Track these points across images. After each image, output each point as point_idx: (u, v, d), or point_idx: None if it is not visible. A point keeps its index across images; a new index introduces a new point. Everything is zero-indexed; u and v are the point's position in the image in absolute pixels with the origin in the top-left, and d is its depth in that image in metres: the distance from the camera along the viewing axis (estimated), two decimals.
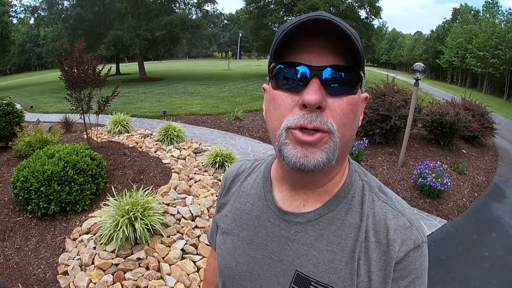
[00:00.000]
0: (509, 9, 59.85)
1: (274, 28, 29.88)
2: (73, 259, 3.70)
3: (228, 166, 5.83)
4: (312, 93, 0.70)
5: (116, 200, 4.02)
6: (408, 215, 0.84)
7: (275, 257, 0.89)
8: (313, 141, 0.72)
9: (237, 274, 0.96)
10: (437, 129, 9.00)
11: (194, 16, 30.02)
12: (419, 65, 6.88)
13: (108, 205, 4.02)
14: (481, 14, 62.06)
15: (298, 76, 0.74)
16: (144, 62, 30.90)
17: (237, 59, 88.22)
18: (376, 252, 0.80)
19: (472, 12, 67.25)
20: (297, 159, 0.74)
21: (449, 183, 6.26)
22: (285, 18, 29.80)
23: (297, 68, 0.74)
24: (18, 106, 9.15)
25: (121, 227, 3.58)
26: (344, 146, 0.78)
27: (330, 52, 0.73)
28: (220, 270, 1.04)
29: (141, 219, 3.69)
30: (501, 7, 62.37)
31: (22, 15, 36.26)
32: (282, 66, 0.77)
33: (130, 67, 41.92)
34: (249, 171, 1.10)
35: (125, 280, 3.37)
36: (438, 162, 6.92)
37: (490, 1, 57.71)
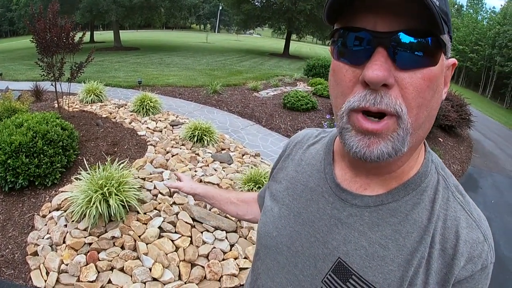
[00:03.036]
0: (493, 7, 61.67)
1: (257, 3, 29.44)
2: (43, 238, 3.45)
3: (207, 140, 5.77)
4: (375, 68, 0.57)
5: (88, 174, 3.77)
6: (483, 228, 0.72)
7: (320, 237, 0.80)
8: (377, 129, 0.61)
9: (275, 245, 0.89)
10: None
11: None
12: None
13: (80, 179, 3.77)
14: (465, 9, 63.37)
15: (360, 45, 0.60)
16: (120, 31, 30.03)
17: (215, 33, 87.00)
18: (439, 262, 0.69)
19: (456, 6, 68.38)
20: (358, 149, 0.64)
21: None
22: None
23: (358, 34, 0.60)
24: None
25: (94, 203, 3.34)
26: (419, 130, 0.65)
27: (401, 11, 0.57)
28: (258, 237, 0.98)
29: (115, 194, 3.45)
30: (485, 4, 63.78)
31: None
32: (342, 31, 0.64)
33: (104, 35, 40.56)
34: (313, 140, 1.00)
35: (99, 260, 3.16)
36: None
37: None
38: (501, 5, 54.07)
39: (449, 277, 0.68)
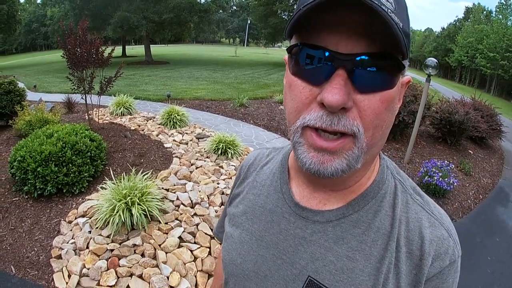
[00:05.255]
0: None
1: (284, 16, 29.71)
2: (68, 243, 3.59)
3: (231, 153, 5.85)
4: (334, 93, 0.55)
5: (113, 183, 3.90)
6: (446, 224, 0.74)
7: (287, 258, 0.78)
8: (332, 148, 0.61)
9: (242, 272, 0.86)
10: (446, 127, 8.83)
11: (203, 0, 29.76)
12: (431, 60, 6.63)
13: (105, 188, 3.91)
14: (494, 15, 61.59)
15: (320, 64, 0.58)
16: (151, 46, 30.77)
17: (244, 46, 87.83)
18: (407, 265, 0.70)
19: (485, 12, 66.79)
20: (312, 165, 0.63)
21: (455, 183, 6.12)
22: (294, 7, 29.51)
23: (318, 53, 0.58)
24: (21, 85, 9.03)
25: (117, 212, 3.46)
26: (373, 148, 0.65)
27: (364, 33, 0.55)
28: (224, 266, 0.93)
29: (138, 204, 3.56)
30: None
31: None
32: (301, 47, 0.61)
33: (136, 50, 41.75)
34: (265, 159, 0.99)
35: (120, 266, 3.25)
36: (446, 161, 6.78)
37: (504, 2, 57.15)
38: None
39: (419, 277, 0.69)
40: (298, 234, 0.77)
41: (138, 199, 3.61)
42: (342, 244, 0.72)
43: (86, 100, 6.39)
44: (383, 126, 0.63)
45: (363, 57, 0.56)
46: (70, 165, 4.36)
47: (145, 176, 4.11)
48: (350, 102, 0.57)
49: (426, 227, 0.71)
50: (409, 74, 0.67)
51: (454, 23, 74.23)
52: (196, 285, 3.24)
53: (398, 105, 0.68)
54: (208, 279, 3.31)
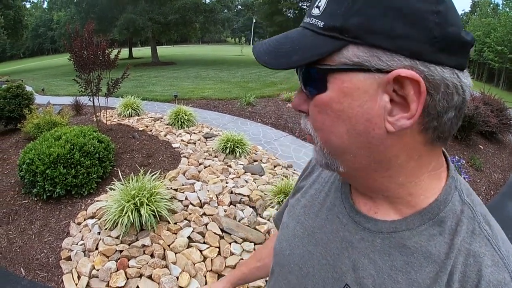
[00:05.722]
0: None
1: (289, 14, 29.64)
2: (77, 244, 3.59)
3: (239, 152, 5.83)
4: (294, 97, 0.69)
5: (122, 184, 3.89)
6: (511, 267, 0.60)
7: (331, 259, 0.76)
8: (309, 141, 0.71)
9: (287, 264, 0.86)
10: None
11: (207, 0, 29.79)
12: None
13: (114, 190, 3.90)
14: (501, 8, 61.02)
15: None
16: (157, 47, 30.89)
17: (250, 45, 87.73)
18: None
19: (492, 5, 66.17)
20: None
21: (466, 179, 6.03)
22: (300, 4, 29.46)
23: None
24: (29, 88, 9.11)
25: (126, 213, 3.45)
26: (344, 155, 0.65)
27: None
28: (274, 254, 0.95)
29: (147, 204, 3.55)
30: None
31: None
32: None
33: (143, 51, 41.93)
34: None
35: (129, 267, 3.25)
36: (456, 157, 6.71)
37: None
38: None
39: None
40: (347, 237, 0.75)
41: (147, 199, 3.60)
42: (387, 260, 0.67)
43: (93, 102, 6.40)
44: (330, 132, 0.63)
45: (302, 67, 0.63)
46: (79, 166, 4.36)
47: (154, 177, 4.11)
48: (303, 106, 0.66)
49: (487, 266, 0.60)
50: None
51: (461, 16, 73.54)
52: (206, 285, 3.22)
53: (403, 114, 0.57)
54: (218, 279, 3.28)
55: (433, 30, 0.52)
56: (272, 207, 4.27)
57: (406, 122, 0.56)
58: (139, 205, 3.53)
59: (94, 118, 7.07)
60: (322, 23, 0.58)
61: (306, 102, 0.65)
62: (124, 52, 34.15)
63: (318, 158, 0.70)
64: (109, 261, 3.32)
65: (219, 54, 40.93)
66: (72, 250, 3.50)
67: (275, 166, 5.86)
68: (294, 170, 5.98)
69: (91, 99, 6.37)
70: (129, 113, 8.19)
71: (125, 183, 3.90)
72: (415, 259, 0.64)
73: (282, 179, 4.86)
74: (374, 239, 0.70)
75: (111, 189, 4.06)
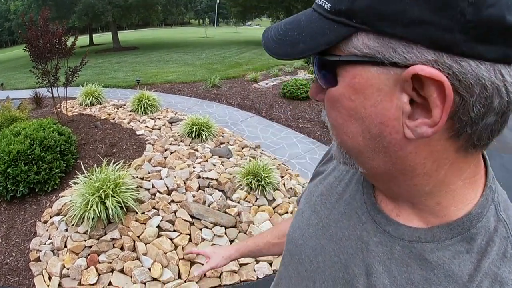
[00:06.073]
0: None
1: None
2: (45, 244, 3.49)
3: (205, 136, 5.77)
4: (311, 87, 0.62)
5: (86, 177, 3.79)
6: None
7: (343, 258, 0.70)
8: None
9: (298, 254, 0.82)
10: None
11: None
12: None
13: (77, 183, 3.80)
14: None
15: None
16: (118, 32, 30.08)
17: (214, 26, 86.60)
18: None
19: None
20: None
21: None
22: None
23: None
24: None
25: (91, 207, 3.36)
26: (359, 156, 0.59)
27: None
28: (286, 240, 0.89)
29: (112, 196, 3.47)
30: None
31: None
32: None
33: (104, 37, 40.65)
34: None
35: (99, 263, 3.19)
36: None
37: None
38: None
39: None
40: (363, 237, 0.68)
41: (112, 191, 3.52)
42: (404, 272, 0.60)
43: (52, 93, 6.19)
44: (340, 129, 0.58)
45: (315, 57, 0.55)
46: (40, 162, 4.21)
47: (118, 166, 4.01)
48: (320, 96, 0.59)
49: None
50: None
51: None
52: (179, 274, 3.20)
53: (423, 119, 0.48)
54: (191, 267, 3.27)
55: (465, 13, 0.41)
56: (242, 189, 4.26)
57: (427, 130, 0.47)
58: (104, 198, 3.44)
59: (55, 110, 6.85)
60: (329, 5, 0.51)
61: (323, 92, 0.58)
62: (85, 39, 33.28)
63: (337, 155, 0.64)
64: (78, 258, 3.24)
65: (182, 37, 40.12)
66: (40, 251, 3.40)
67: (242, 148, 5.84)
68: (262, 150, 5.98)
69: (50, 90, 6.16)
70: (90, 102, 7.93)
71: (88, 175, 3.79)
72: (435, 276, 0.57)
73: (250, 160, 4.85)
74: (393, 245, 0.62)
75: (74, 183, 3.95)
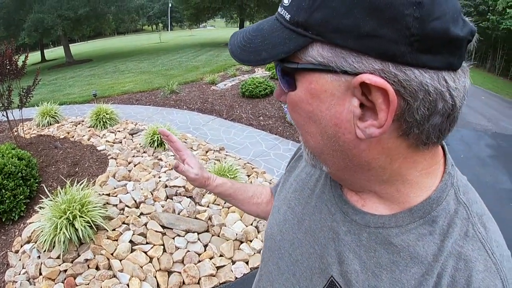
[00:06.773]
0: None
1: None
2: (20, 274, 3.42)
3: (168, 144, 5.74)
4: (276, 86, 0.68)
5: (51, 200, 3.75)
6: (504, 272, 0.57)
7: (318, 249, 0.75)
8: None
9: (277, 249, 0.86)
10: None
11: None
12: None
13: (43, 208, 3.75)
14: None
15: None
16: (70, 45, 29.32)
17: (168, 31, 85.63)
18: None
19: None
20: None
21: None
22: None
23: None
24: None
25: (61, 229, 3.34)
26: (322, 155, 0.65)
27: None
28: (265, 237, 0.95)
29: (80, 216, 3.45)
30: None
31: None
32: None
33: (56, 52, 39.52)
34: None
35: (77, 286, 3.16)
36: None
37: None
38: None
39: None
40: (334, 228, 0.73)
41: (79, 211, 3.50)
42: (372, 257, 0.65)
43: (8, 117, 6.00)
44: (302, 130, 0.64)
45: (278, 63, 0.60)
46: (3, 190, 4.10)
47: (82, 186, 3.99)
48: (283, 98, 0.64)
49: (479, 271, 0.56)
50: None
51: None
52: (157, 285, 3.23)
53: (372, 121, 0.54)
54: (169, 276, 3.31)
55: (410, 27, 0.46)
56: (209, 193, 4.31)
57: (375, 131, 0.53)
58: (72, 219, 3.42)
59: (12, 134, 6.68)
60: (289, 15, 0.56)
61: (285, 94, 0.63)
62: (36, 55, 32.22)
63: (305, 157, 0.70)
64: (55, 284, 3.20)
65: (137, 44, 39.42)
66: (16, 281, 3.32)
67: (206, 152, 5.88)
68: (227, 152, 6.04)
69: (4, 114, 6.00)
70: (48, 122, 7.71)
71: (53, 198, 3.75)
72: (401, 258, 0.61)
73: (215, 163, 4.91)
74: (360, 233, 0.67)
75: (40, 208, 3.89)
